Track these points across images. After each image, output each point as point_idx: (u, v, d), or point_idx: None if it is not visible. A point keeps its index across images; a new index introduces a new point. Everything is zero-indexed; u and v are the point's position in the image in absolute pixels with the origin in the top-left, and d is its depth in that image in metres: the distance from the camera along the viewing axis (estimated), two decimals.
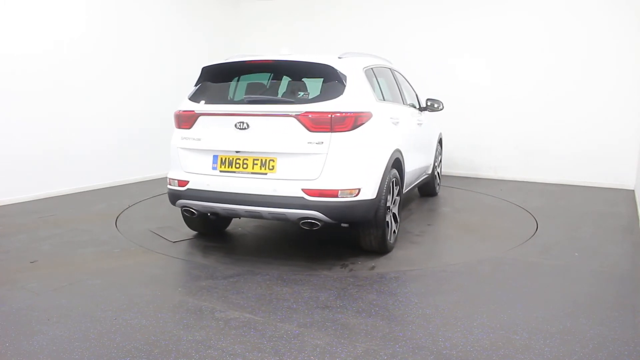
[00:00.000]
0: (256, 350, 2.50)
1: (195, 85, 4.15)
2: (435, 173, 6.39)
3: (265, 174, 3.62)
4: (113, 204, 5.82)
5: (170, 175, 4.00)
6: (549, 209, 5.80)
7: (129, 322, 2.81)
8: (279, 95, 4.00)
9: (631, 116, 6.93)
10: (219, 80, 4.11)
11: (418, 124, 5.25)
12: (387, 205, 3.91)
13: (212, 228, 4.64)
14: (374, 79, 4.32)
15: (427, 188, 6.37)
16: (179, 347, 2.53)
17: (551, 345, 2.55)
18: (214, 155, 3.78)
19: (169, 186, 4.00)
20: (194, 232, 4.64)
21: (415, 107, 5.56)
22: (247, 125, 3.65)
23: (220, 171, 3.75)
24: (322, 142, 3.49)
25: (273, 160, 3.61)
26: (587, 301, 3.16)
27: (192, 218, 4.29)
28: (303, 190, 3.49)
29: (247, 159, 3.67)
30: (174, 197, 3.96)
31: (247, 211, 3.74)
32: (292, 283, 3.41)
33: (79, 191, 6.55)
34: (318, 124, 3.51)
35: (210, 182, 3.76)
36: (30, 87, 5.92)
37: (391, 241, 4.07)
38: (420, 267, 3.77)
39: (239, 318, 2.86)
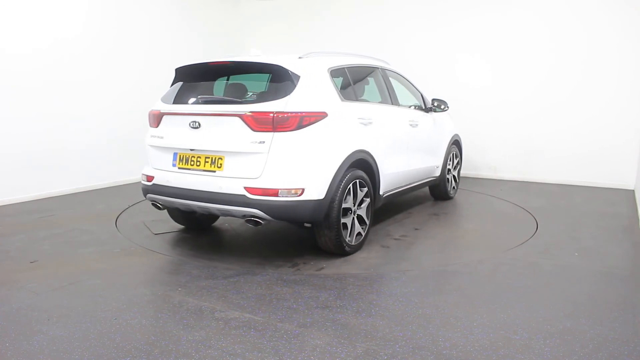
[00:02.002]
0: (256, 350, 2.50)
1: (171, 86, 4.33)
2: (449, 176, 6.17)
3: (214, 171, 3.74)
4: (113, 204, 5.83)
5: (142, 171, 4.25)
6: (549, 209, 5.80)
7: (129, 322, 2.81)
8: (232, 96, 4.07)
9: (632, 117, 6.93)
10: (188, 80, 4.27)
11: (411, 125, 5.11)
12: (347, 207, 3.89)
13: (196, 223, 4.81)
14: (346, 78, 4.32)
15: (438, 191, 6.16)
16: (179, 347, 2.53)
17: (551, 345, 2.55)
18: (174, 153, 3.98)
19: (141, 181, 4.23)
20: (181, 227, 4.84)
21: (417, 108, 5.50)
22: (199, 125, 3.80)
23: (179, 168, 3.94)
24: (264, 142, 3.55)
25: (221, 159, 3.71)
26: (587, 301, 3.16)
27: (176, 213, 4.62)
28: (245, 188, 3.57)
29: (200, 157, 3.82)
30: (144, 191, 4.21)
31: (199, 207, 3.88)
32: (292, 283, 3.41)
33: (79, 191, 6.56)
34: (261, 123, 3.56)
35: (170, 178, 3.95)
36: (29, 86, 5.93)
37: (352, 243, 4.00)
38: (368, 271, 3.68)
39: (239, 318, 2.86)
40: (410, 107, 5.44)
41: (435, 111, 5.76)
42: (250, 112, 3.60)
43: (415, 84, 5.69)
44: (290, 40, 9.26)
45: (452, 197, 6.37)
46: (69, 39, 6.33)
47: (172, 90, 4.28)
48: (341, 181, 3.80)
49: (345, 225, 3.91)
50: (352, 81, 4.41)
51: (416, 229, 4.89)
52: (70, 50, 6.35)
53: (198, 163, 3.82)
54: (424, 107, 5.62)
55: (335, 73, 4.15)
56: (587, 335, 2.67)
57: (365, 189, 4.12)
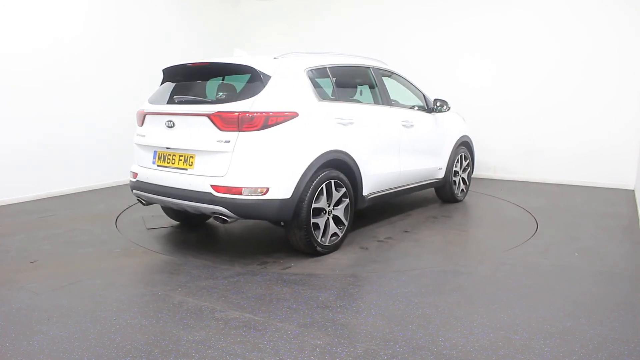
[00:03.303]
0: (256, 350, 2.50)
1: (160, 85, 4.46)
2: (456, 178, 6.00)
3: (186, 169, 3.85)
4: (113, 204, 5.83)
5: (130, 168, 4.43)
6: (549, 209, 5.80)
7: (129, 322, 2.81)
8: (205, 96, 4.14)
9: (632, 117, 6.93)
10: (173, 80, 4.38)
11: (404, 125, 4.99)
12: (320, 207, 3.89)
13: (188, 220, 4.95)
14: (328, 78, 4.32)
15: (444, 193, 5.99)
16: (179, 347, 2.53)
17: (551, 345, 2.55)
18: (154, 151, 4.11)
19: (129, 178, 4.42)
20: (175, 223, 5.00)
21: (420, 109, 5.42)
22: (173, 124, 3.93)
23: (158, 166, 4.07)
24: (229, 141, 3.61)
25: (192, 157, 3.82)
26: (587, 301, 3.16)
27: (168, 210, 4.85)
28: (212, 186, 3.66)
29: (174, 155, 3.94)
30: (131, 187, 4.40)
31: (174, 204, 4.01)
32: (292, 283, 3.41)
33: (79, 191, 6.56)
34: (227, 123, 3.63)
35: (150, 175, 4.11)
36: (29, 86, 5.93)
37: (326, 244, 3.99)
38: (333, 272, 3.64)
39: (239, 318, 2.86)
40: (412, 107, 5.37)
41: (440, 111, 5.62)
42: (218, 112, 3.67)
43: (416, 84, 5.59)
44: (290, 40, 9.27)
45: (460, 200, 6.17)
46: (68, 39, 6.33)
47: (158, 90, 4.41)
48: (311, 181, 3.80)
49: (317, 225, 3.91)
50: (334, 81, 4.40)
51: (405, 232, 4.81)
52: (70, 50, 6.36)
53: (173, 161, 3.94)
54: (425, 108, 5.53)
55: (314, 73, 4.15)
56: (587, 335, 2.67)
57: (343, 190, 4.11)
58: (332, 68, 4.41)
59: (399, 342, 2.58)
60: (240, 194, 3.59)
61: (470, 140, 6.35)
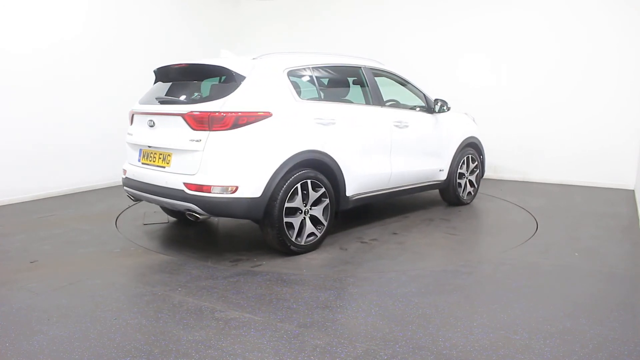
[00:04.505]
0: (256, 350, 2.50)
1: (153, 85, 4.57)
2: (461, 180, 5.81)
3: (164, 167, 3.96)
4: (113, 204, 5.83)
5: (122, 166, 4.56)
6: (549, 209, 5.80)
7: (129, 322, 2.81)
8: (183, 96, 4.20)
9: (632, 117, 6.93)
10: (161, 81, 4.48)
11: (397, 126, 4.87)
12: (295, 206, 3.90)
13: (184, 216, 4.96)
14: (311, 78, 4.33)
15: (448, 196, 5.83)
16: (179, 347, 2.53)
17: (551, 345, 2.55)
18: (140, 149, 4.24)
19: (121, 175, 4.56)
20: (172, 220, 5.11)
21: (421, 109, 5.35)
22: (154, 123, 4.04)
23: (142, 163, 4.20)
24: (200, 140, 3.69)
25: (169, 156, 3.92)
26: (587, 301, 3.16)
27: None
28: (184, 184, 3.75)
29: (155, 153, 4.06)
30: (122, 184, 4.52)
31: (154, 200, 4.13)
32: (292, 283, 3.41)
33: (79, 191, 6.56)
34: (199, 123, 3.71)
35: (136, 172, 4.24)
36: (29, 85, 5.93)
37: (302, 243, 3.99)
38: (300, 272, 3.62)
39: (239, 318, 2.86)
40: (413, 107, 5.31)
41: (442, 111, 5.47)
42: (190, 111, 3.76)
43: (416, 85, 5.48)
44: (290, 40, 9.27)
45: (467, 203, 5.98)
46: (68, 39, 6.33)
47: (149, 90, 4.51)
48: (284, 180, 3.81)
49: (291, 224, 3.92)
50: (318, 81, 4.41)
51: (394, 234, 4.72)
52: (70, 50, 6.36)
53: (153, 159, 4.06)
54: (426, 108, 5.42)
55: (294, 73, 4.17)
56: (587, 335, 2.67)
57: (322, 190, 4.09)
58: (317, 68, 4.42)
59: (399, 342, 2.58)
60: (210, 192, 3.66)
61: (479, 142, 6.10)
